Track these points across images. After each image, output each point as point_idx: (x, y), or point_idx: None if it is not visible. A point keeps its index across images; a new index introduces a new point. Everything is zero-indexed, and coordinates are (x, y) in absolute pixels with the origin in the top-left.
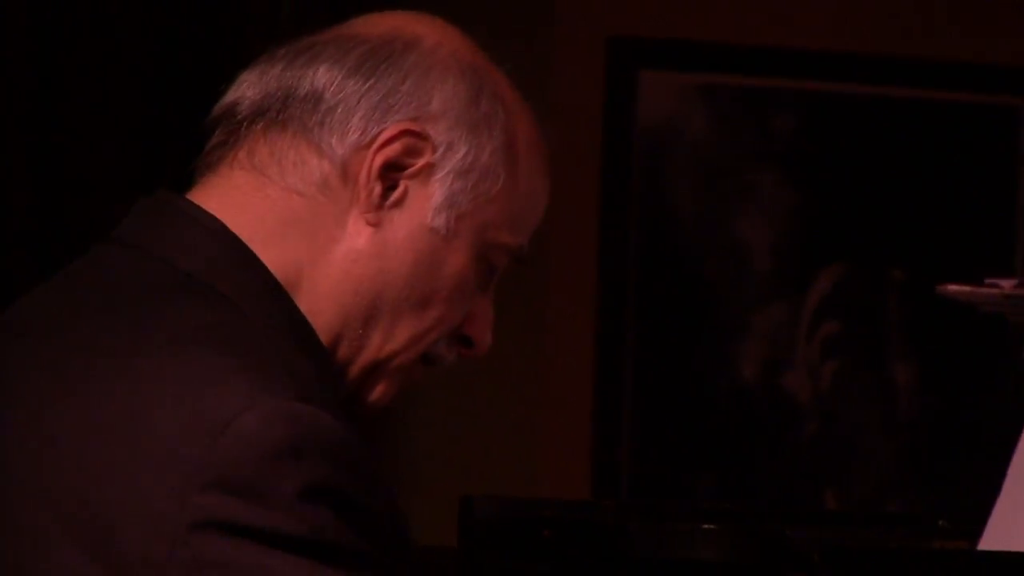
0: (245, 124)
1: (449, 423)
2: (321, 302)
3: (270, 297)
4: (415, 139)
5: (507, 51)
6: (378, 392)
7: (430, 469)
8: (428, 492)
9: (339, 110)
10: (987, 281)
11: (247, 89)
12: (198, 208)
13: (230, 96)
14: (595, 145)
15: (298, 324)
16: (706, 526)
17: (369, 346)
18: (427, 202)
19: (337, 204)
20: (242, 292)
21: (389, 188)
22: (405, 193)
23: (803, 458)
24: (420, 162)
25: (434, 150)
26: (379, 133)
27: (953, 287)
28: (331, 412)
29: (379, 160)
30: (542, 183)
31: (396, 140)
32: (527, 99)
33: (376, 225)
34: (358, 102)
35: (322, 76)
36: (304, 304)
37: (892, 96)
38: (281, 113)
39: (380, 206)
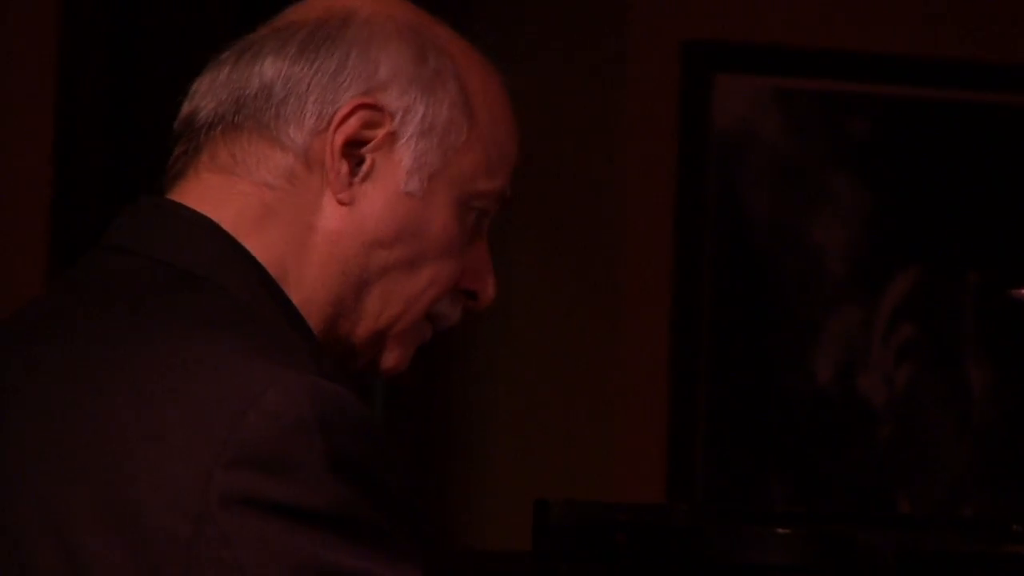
0: (203, 132)
1: (524, 427)
2: (312, 291)
3: (265, 289)
4: (370, 111)
5: (582, 55)
6: (391, 359)
7: (505, 473)
8: (503, 496)
9: (291, 99)
10: None
11: (200, 99)
12: (188, 208)
13: (186, 108)
14: (670, 149)
15: (293, 314)
16: (780, 530)
17: (366, 316)
18: (397, 169)
19: (308, 191)
20: (239, 284)
21: (357, 164)
22: (373, 166)
23: (877, 462)
24: (380, 133)
25: (392, 118)
26: (334, 113)
27: None
28: (350, 389)
29: (339, 139)
30: (507, 121)
31: (352, 116)
32: (602, 104)
33: (350, 203)
34: (308, 88)
35: (268, 69)
36: (296, 296)
37: (968, 100)
38: (236, 116)
39: (350, 183)
